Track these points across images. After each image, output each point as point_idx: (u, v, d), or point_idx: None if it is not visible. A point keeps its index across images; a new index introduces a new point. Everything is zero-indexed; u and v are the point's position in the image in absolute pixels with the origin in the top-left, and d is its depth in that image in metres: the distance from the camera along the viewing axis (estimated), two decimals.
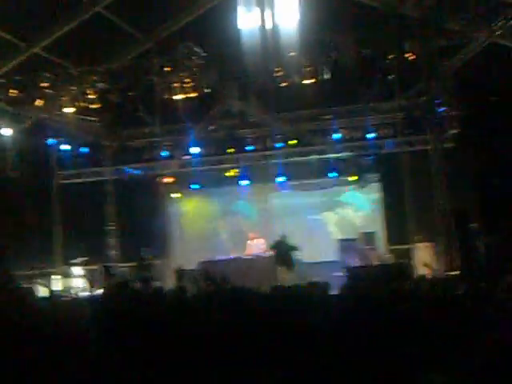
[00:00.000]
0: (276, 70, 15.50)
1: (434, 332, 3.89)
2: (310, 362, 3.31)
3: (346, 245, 18.48)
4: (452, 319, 4.32)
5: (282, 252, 17.01)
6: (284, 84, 15.78)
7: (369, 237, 18.53)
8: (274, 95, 16.45)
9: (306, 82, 15.51)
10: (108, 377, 3.50)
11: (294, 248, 17.03)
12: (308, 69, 15.37)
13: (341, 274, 16.49)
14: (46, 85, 16.81)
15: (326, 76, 15.35)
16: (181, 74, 16.34)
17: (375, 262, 17.29)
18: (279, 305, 6.54)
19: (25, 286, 16.41)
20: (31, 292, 13.63)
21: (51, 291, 16.09)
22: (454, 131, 15.61)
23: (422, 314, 4.52)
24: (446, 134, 16.02)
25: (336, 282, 10.77)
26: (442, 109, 15.78)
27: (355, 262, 17.49)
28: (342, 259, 18.02)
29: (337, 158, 18.98)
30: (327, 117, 18.63)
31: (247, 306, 6.08)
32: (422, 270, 16.30)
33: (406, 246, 18.45)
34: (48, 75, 16.66)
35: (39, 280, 18.29)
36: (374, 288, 8.61)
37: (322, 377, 3.21)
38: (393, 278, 13.19)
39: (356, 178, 18.94)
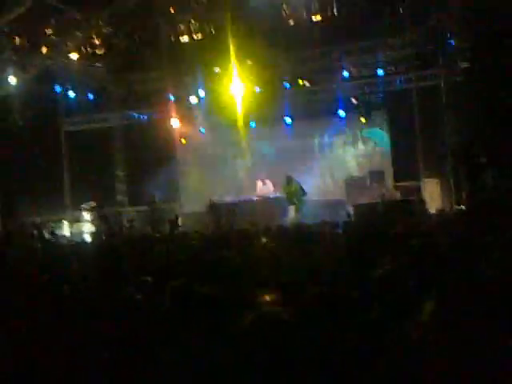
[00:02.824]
0: (283, 6, 15.33)
1: (440, 264, 4.00)
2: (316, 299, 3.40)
3: (355, 183, 18.63)
4: (456, 253, 4.43)
5: (291, 193, 17.17)
6: (291, 22, 15.63)
7: (377, 174, 18.64)
8: (281, 34, 16.30)
9: (314, 18, 15.36)
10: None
11: (301, 189, 17.19)
12: (316, 4, 15.21)
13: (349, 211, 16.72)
14: (50, 31, 16.66)
15: (335, 12, 15.21)
16: (186, 15, 16.19)
17: (383, 199, 17.44)
18: (286, 240, 6.68)
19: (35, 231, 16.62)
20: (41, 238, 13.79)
21: (58, 237, 16.16)
22: (465, 64, 15.47)
23: (429, 249, 4.61)
24: (457, 67, 15.88)
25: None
26: (453, 41, 15.64)
27: (363, 199, 17.68)
28: (350, 197, 18.20)
29: (346, 97, 18.89)
30: (336, 55, 18.41)
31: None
32: (430, 206, 16.48)
33: (415, 183, 18.56)
34: (53, 21, 16.48)
35: (50, 225, 18.53)
36: (381, 224, 8.81)
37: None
38: (400, 214, 13.31)
39: (365, 116, 18.90)
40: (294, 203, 17.06)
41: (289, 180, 17.28)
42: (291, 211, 17.03)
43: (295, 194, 17.09)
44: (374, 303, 3.35)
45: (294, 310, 2.82)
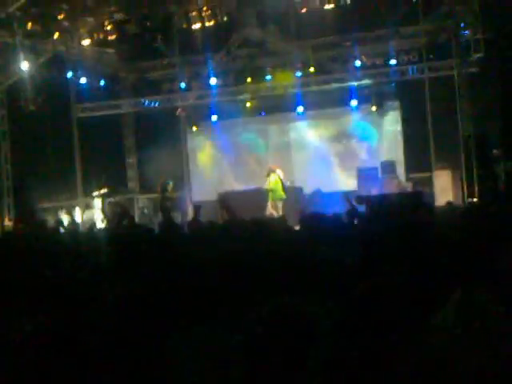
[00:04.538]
0: None
1: (454, 258, 3.91)
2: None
3: (366, 174, 18.48)
4: (470, 245, 4.32)
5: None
6: (304, 10, 15.50)
7: (389, 165, 18.49)
8: (293, 22, 16.15)
9: (326, 7, 15.22)
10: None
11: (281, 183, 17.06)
12: None
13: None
14: (62, 17, 16.61)
15: (347, 0, 15.05)
16: (198, 2, 16.10)
17: (395, 190, 17.31)
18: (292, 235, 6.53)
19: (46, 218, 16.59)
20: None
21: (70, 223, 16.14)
22: (479, 55, 15.27)
23: (441, 242, 4.51)
24: (471, 58, 15.67)
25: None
26: (467, 32, 15.44)
27: (375, 190, 17.54)
28: (362, 188, 18.06)
29: (357, 86, 18.69)
30: (348, 43, 18.18)
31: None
32: (441, 197, 16.33)
33: (426, 174, 18.41)
34: (64, 7, 16.43)
35: (61, 212, 18.54)
36: (393, 216, 8.61)
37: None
38: (412, 206, 13.16)
39: (377, 105, 18.75)
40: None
41: (268, 173, 17.17)
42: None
43: (273, 188, 16.99)
44: None
45: None
